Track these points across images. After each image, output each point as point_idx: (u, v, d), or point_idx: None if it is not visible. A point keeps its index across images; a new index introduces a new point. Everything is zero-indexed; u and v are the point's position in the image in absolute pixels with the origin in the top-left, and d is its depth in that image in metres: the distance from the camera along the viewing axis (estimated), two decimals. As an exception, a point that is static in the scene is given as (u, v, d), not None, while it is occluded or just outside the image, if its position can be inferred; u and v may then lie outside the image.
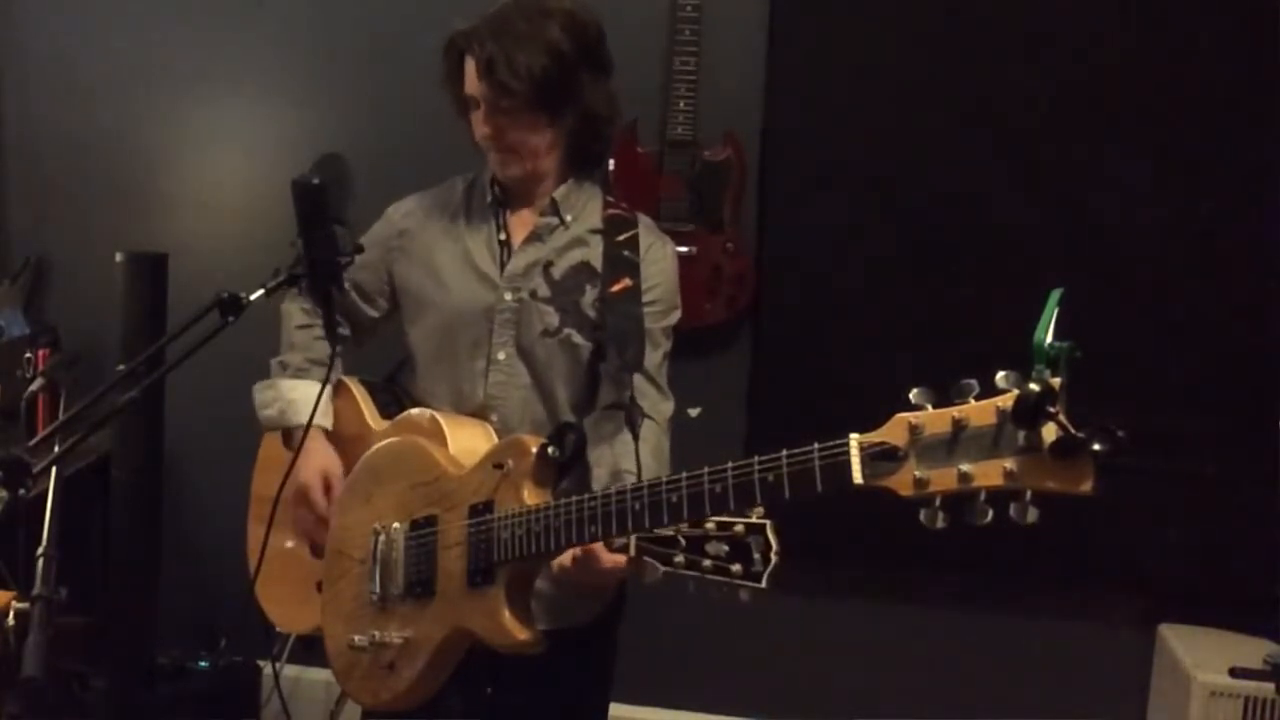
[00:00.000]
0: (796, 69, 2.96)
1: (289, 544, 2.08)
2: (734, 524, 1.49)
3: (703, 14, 2.88)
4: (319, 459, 2.00)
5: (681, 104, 2.89)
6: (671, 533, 1.54)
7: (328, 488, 2.00)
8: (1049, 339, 1.26)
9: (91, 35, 3.26)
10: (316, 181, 1.64)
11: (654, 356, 1.97)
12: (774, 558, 1.47)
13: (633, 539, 1.59)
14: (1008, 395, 1.28)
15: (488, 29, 1.89)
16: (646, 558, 1.56)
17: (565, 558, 1.72)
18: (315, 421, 1.95)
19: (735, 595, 1.50)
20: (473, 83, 1.91)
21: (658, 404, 1.97)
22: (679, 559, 1.53)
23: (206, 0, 3.23)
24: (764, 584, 1.47)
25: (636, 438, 1.86)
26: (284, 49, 3.20)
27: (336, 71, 3.19)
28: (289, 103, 3.22)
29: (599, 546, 1.67)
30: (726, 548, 1.49)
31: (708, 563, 1.51)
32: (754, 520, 1.48)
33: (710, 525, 1.50)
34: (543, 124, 1.94)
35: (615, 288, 1.95)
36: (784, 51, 2.96)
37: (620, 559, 1.67)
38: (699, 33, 2.88)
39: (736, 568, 1.49)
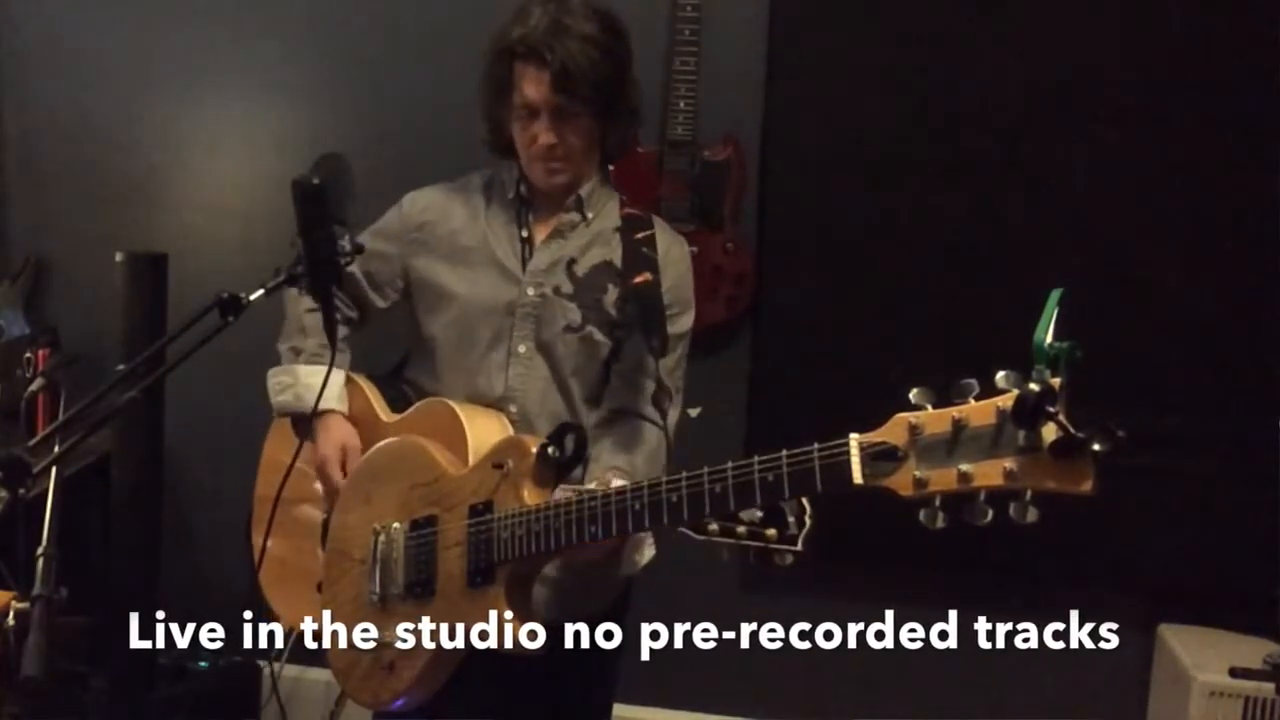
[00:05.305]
0: (796, 69, 2.95)
1: (293, 542, 2.08)
2: None
3: (703, 14, 2.87)
4: (339, 434, 2.00)
5: (681, 104, 2.88)
6: None
7: (344, 465, 1.99)
8: (1049, 339, 1.26)
9: (92, 35, 3.26)
10: (316, 181, 1.64)
11: (666, 360, 1.95)
12: (808, 521, 1.47)
13: None
14: (1008, 395, 1.28)
15: (548, 37, 1.85)
16: (681, 529, 1.55)
17: None
18: (332, 406, 1.97)
19: (771, 562, 1.49)
20: (537, 91, 1.88)
21: (665, 408, 1.96)
22: (713, 526, 1.52)
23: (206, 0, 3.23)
24: (800, 546, 1.47)
25: (640, 443, 1.85)
26: (285, 49, 3.20)
27: (336, 71, 3.18)
28: (289, 103, 3.22)
29: None
30: (761, 513, 1.49)
31: (742, 529, 1.50)
32: None
33: None
34: (597, 129, 1.95)
35: (638, 280, 1.94)
36: (784, 51, 2.95)
37: None
38: (699, 33, 2.87)
39: (772, 532, 1.48)
